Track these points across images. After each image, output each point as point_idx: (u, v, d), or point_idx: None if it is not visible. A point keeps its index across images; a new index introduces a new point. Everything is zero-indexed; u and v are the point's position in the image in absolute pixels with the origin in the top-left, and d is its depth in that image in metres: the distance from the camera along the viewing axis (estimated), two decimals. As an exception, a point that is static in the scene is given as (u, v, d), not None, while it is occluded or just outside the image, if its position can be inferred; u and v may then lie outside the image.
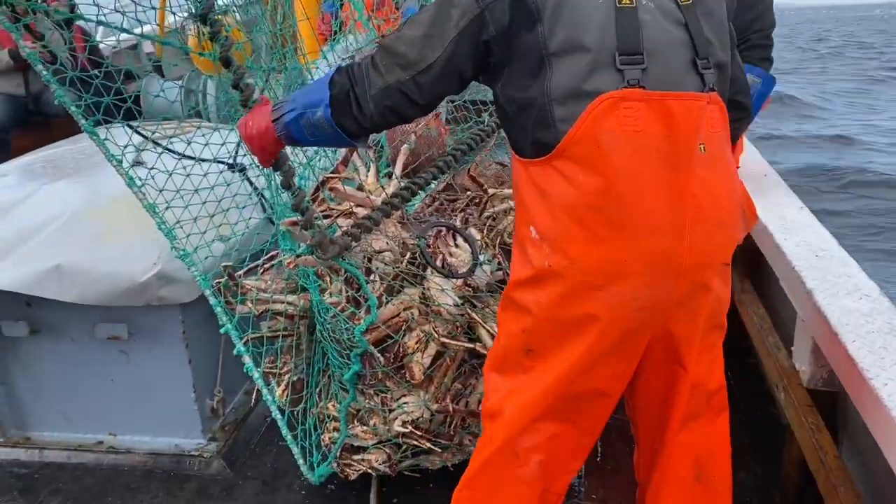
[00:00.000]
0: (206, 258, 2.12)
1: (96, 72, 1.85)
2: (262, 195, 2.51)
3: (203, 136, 2.33)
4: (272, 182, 2.29)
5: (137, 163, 2.19)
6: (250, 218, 2.44)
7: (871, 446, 1.85)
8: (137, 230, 2.38)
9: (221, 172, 2.32)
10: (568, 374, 1.47)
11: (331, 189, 2.13)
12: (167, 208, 2.01)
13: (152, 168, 2.06)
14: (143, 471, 2.48)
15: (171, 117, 2.39)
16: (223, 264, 2.17)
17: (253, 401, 2.69)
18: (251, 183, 2.54)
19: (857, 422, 2.10)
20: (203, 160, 2.21)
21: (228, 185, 2.27)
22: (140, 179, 2.04)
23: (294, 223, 1.78)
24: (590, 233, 1.38)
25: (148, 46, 5.12)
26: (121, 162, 1.96)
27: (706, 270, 1.45)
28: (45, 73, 1.82)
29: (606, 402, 1.54)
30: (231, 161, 2.45)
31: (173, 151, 2.15)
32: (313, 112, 1.46)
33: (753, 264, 2.88)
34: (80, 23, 4.25)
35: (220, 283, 2.16)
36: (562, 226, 1.40)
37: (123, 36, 1.93)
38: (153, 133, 2.17)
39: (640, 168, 1.36)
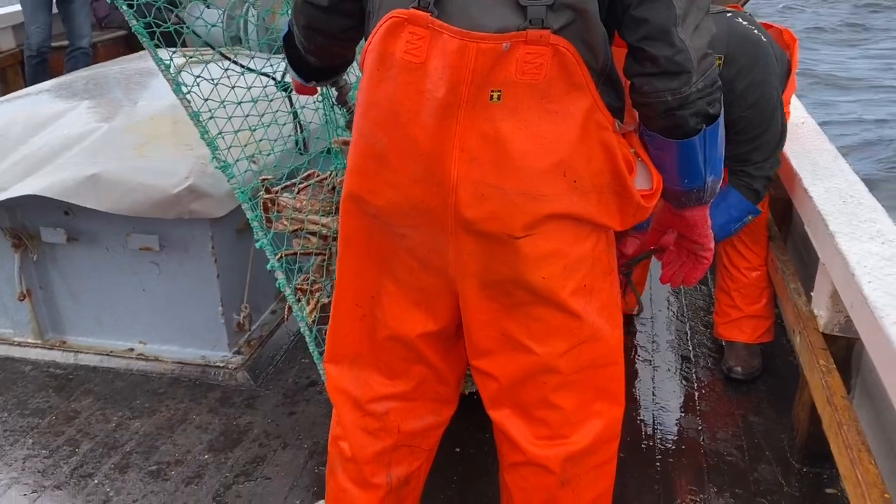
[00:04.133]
0: (245, 171, 2.15)
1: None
2: (297, 115, 2.52)
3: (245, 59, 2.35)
4: (327, 99, 2.32)
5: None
6: (290, 136, 2.48)
7: (881, 392, 1.85)
8: (173, 145, 2.45)
9: (265, 87, 2.33)
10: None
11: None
12: (210, 118, 2.03)
13: (199, 76, 2.06)
14: (171, 378, 2.59)
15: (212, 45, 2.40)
16: (262, 177, 2.21)
17: (282, 318, 2.78)
18: (292, 102, 2.55)
19: (870, 367, 2.10)
20: (250, 70, 2.23)
21: (270, 100, 2.29)
22: (186, 86, 2.06)
23: (346, 142, 1.82)
24: (358, 156, 1.35)
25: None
26: (168, 67, 1.97)
27: (493, 236, 1.26)
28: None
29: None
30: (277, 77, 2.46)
31: (223, 55, 2.17)
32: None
33: (784, 212, 2.85)
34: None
35: (260, 196, 2.21)
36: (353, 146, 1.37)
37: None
38: (196, 52, 2.19)
39: (404, 103, 1.25)
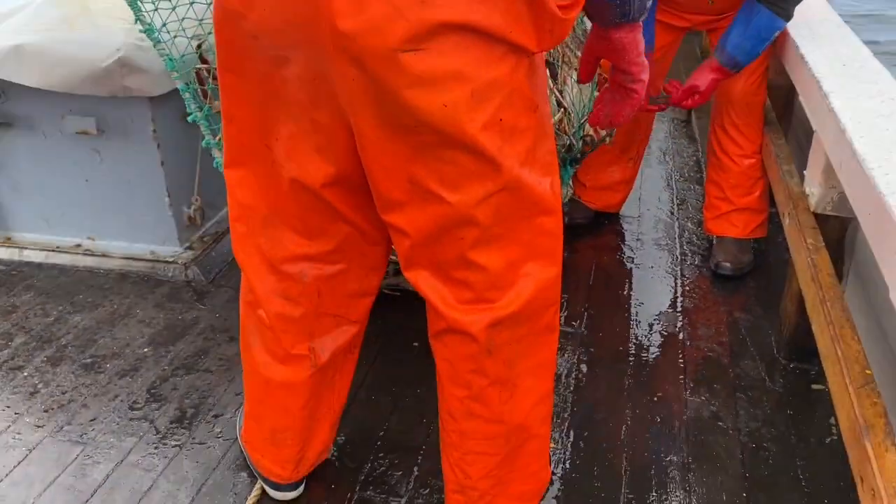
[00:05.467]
0: (175, 37, 1.95)
1: None
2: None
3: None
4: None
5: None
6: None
7: (870, 267, 1.65)
8: (108, 19, 2.23)
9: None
10: None
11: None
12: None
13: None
14: (118, 274, 2.44)
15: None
16: (197, 43, 2.01)
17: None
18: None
19: (862, 248, 1.89)
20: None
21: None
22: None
23: None
24: None
25: None
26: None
27: (376, 53, 1.02)
28: None
29: None
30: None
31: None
32: None
33: (786, 102, 2.61)
34: None
35: (196, 68, 2.01)
36: None
37: None
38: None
39: None
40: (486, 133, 1.10)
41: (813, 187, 1.88)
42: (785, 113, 2.67)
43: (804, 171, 1.98)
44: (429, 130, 1.09)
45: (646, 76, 1.24)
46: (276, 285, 1.39)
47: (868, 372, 1.32)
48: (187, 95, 1.97)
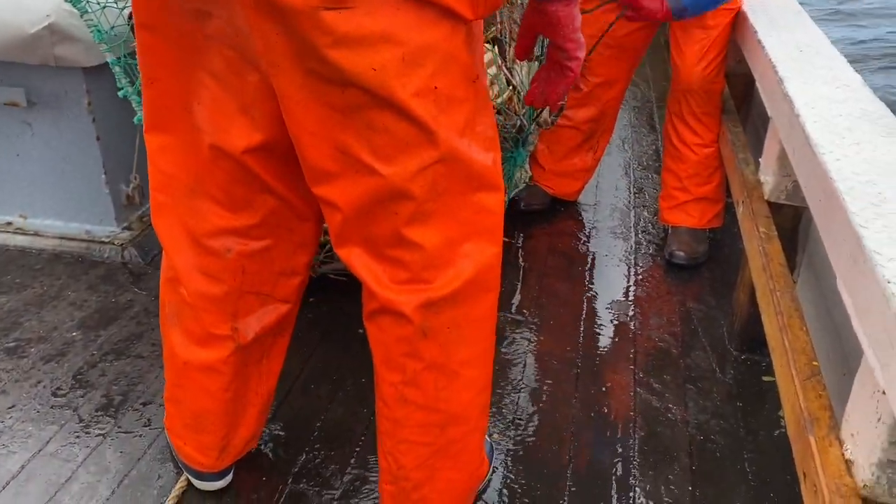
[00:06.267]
0: (104, 7, 1.84)
1: None
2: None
3: None
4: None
5: None
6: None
7: (821, 251, 1.61)
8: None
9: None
10: None
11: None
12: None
13: None
14: (51, 254, 2.32)
15: None
16: (129, 13, 1.90)
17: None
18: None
19: (815, 237, 1.86)
20: None
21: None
22: None
23: None
24: None
25: None
26: None
27: (295, 9, 0.94)
28: None
29: None
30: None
31: None
32: None
33: (746, 90, 2.58)
34: None
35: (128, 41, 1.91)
36: None
37: None
38: None
39: None
40: (419, 100, 1.03)
41: (767, 175, 1.84)
42: (744, 102, 2.64)
43: (760, 160, 1.94)
44: (358, 92, 1.01)
45: (581, 53, 1.18)
46: (198, 261, 1.30)
47: (815, 364, 1.28)
48: (118, 69, 1.86)
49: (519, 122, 1.92)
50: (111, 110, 2.21)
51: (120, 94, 1.86)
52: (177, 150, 1.23)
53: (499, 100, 1.92)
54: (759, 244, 1.68)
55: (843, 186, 1.15)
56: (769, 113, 1.80)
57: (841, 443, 1.08)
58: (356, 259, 1.19)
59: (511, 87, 1.88)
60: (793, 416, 1.22)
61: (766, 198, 1.83)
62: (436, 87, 1.04)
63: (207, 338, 1.35)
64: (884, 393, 0.90)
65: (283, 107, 1.07)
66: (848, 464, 1.04)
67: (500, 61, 1.83)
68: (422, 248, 1.15)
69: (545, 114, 2.17)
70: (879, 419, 0.95)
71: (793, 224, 1.83)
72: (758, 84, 1.96)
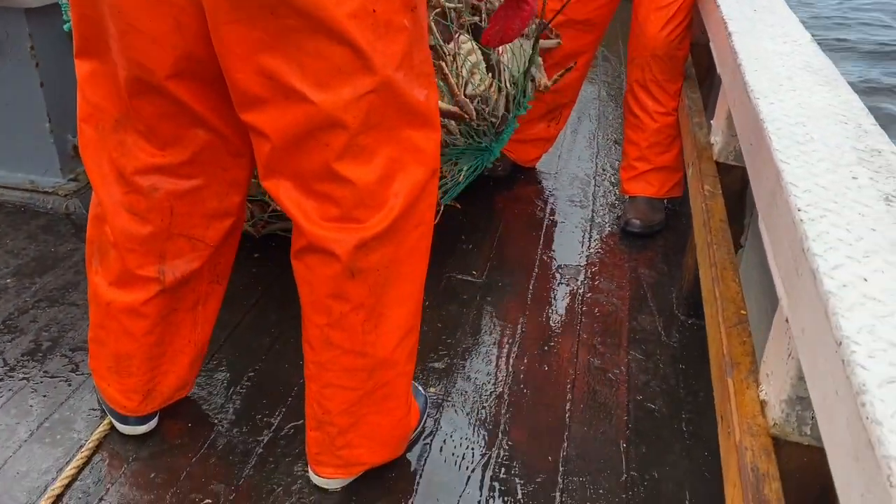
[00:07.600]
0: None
1: None
2: None
3: None
4: None
5: None
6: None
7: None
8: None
9: None
10: None
11: None
12: None
13: None
14: (-8, 203, 2.27)
15: None
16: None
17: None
18: None
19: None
20: None
21: None
22: None
23: None
24: None
25: None
26: None
27: None
28: None
29: None
30: None
31: None
32: None
33: (710, 57, 2.55)
34: None
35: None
36: None
37: None
38: None
39: None
40: (355, 22, 0.99)
41: (717, 136, 1.82)
42: (708, 74, 2.61)
43: (711, 122, 1.92)
44: (290, 12, 0.97)
45: None
46: (125, 198, 1.25)
47: (742, 313, 1.25)
48: (65, 2, 1.80)
49: (501, 113, 1.89)
50: (56, 55, 2.15)
51: (66, 27, 1.80)
52: (104, 79, 1.18)
53: (481, 87, 1.89)
54: (702, 202, 1.66)
55: (771, 127, 1.13)
56: (718, 70, 1.78)
57: (758, 384, 1.06)
58: (284, 193, 1.15)
59: (490, 75, 1.85)
60: (716, 362, 1.20)
61: (714, 158, 1.81)
62: (374, 11, 1.00)
63: (131, 278, 1.30)
64: (787, 321, 0.87)
65: (211, 27, 1.02)
66: (762, 405, 1.02)
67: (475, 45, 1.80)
68: (353, 185, 1.11)
69: (543, 80, 2.16)
70: (790, 355, 0.93)
71: (741, 186, 1.81)
72: (711, 44, 1.93)
